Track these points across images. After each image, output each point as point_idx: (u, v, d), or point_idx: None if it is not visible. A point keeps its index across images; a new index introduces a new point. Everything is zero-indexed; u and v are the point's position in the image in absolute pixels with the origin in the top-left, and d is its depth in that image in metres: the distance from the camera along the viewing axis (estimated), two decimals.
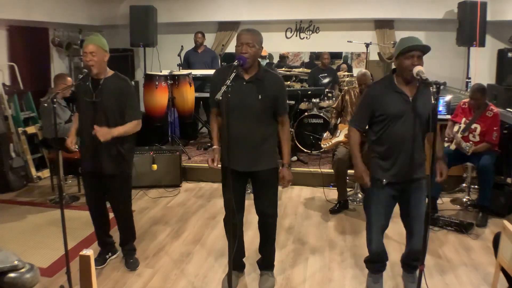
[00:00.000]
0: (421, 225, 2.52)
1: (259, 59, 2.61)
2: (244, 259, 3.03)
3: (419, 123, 2.48)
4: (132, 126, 2.91)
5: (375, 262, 2.81)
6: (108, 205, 3.16)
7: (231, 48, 7.13)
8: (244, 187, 2.81)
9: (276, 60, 8.04)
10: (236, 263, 2.94)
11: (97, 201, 3.08)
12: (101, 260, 3.17)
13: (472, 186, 4.48)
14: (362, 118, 2.64)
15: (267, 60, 7.80)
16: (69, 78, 4.36)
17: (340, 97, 4.53)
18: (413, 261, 2.74)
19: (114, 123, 2.87)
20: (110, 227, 3.24)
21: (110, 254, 3.25)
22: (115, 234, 3.28)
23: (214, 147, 2.70)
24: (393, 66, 2.60)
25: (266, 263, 2.96)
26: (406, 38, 2.46)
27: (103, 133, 2.76)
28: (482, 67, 6.26)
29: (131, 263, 3.16)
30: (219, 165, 2.65)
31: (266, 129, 2.62)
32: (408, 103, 2.46)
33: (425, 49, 2.40)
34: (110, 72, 2.93)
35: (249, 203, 2.94)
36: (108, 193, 3.08)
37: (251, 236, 3.47)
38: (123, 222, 3.16)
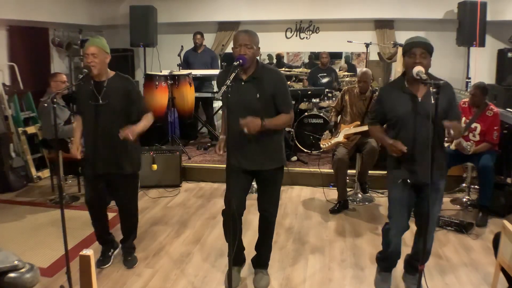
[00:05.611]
0: (432, 226, 2.56)
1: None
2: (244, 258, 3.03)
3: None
4: (149, 120, 2.99)
5: (387, 260, 2.78)
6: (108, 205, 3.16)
7: (231, 48, 7.13)
8: (248, 183, 2.80)
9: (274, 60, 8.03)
10: (236, 258, 2.93)
11: (100, 201, 3.07)
12: (106, 258, 3.17)
13: (472, 186, 4.48)
14: (379, 116, 2.68)
15: (268, 61, 7.80)
16: (64, 76, 4.35)
17: (339, 97, 4.53)
18: (417, 262, 2.72)
19: (121, 123, 2.87)
20: (109, 225, 3.24)
21: (112, 250, 3.25)
22: (115, 232, 3.31)
23: (221, 136, 2.76)
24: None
25: (261, 261, 2.98)
26: (410, 38, 2.45)
27: (132, 131, 2.77)
28: (482, 67, 6.27)
29: (129, 260, 3.16)
30: (223, 152, 2.63)
31: None
32: (417, 103, 2.43)
33: (426, 46, 2.37)
34: (111, 73, 2.93)
35: (250, 203, 2.94)
36: (116, 192, 3.08)
37: (251, 236, 3.47)
38: (129, 221, 3.17)
